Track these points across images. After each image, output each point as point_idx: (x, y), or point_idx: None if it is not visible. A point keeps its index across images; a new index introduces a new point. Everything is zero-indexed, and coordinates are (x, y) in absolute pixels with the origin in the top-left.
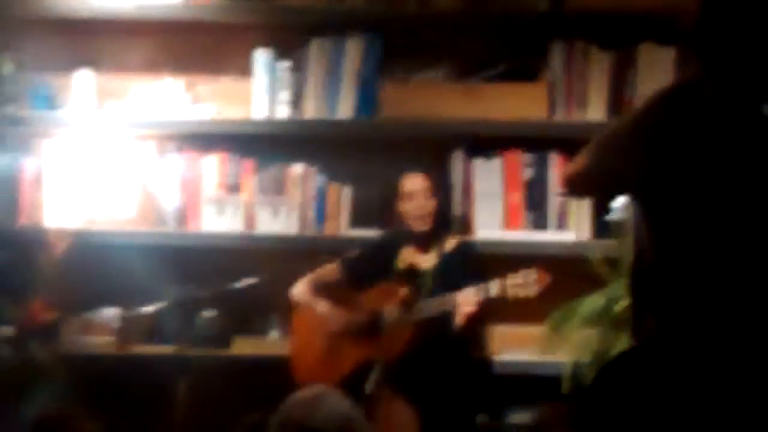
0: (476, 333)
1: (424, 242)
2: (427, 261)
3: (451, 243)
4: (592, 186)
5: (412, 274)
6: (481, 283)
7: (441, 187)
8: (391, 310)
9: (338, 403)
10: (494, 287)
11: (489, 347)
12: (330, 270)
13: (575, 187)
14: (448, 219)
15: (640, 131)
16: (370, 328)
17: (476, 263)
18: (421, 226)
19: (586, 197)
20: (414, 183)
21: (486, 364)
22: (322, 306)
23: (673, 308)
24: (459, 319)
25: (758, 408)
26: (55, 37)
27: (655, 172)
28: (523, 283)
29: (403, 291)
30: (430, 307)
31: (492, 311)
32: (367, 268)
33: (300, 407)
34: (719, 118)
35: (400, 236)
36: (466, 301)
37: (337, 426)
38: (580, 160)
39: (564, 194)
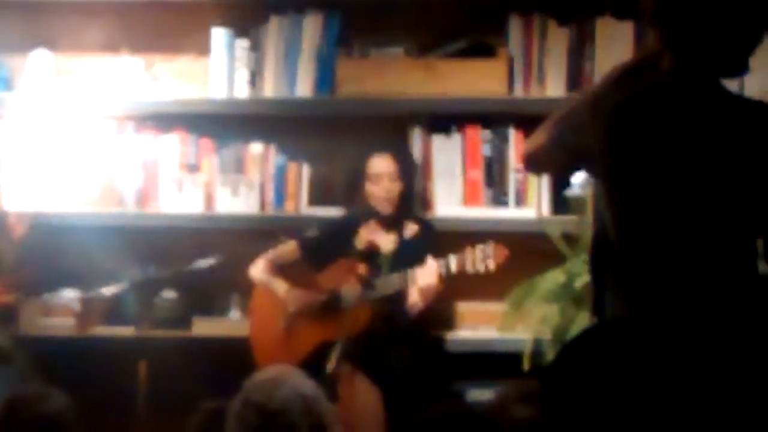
0: (436, 309)
1: (387, 223)
2: (388, 242)
3: (412, 228)
4: (551, 162)
5: (371, 252)
6: (439, 260)
7: (407, 171)
8: (350, 289)
9: (300, 383)
10: (452, 262)
11: (450, 323)
12: (288, 249)
13: (534, 163)
14: (411, 204)
15: (598, 106)
16: (330, 307)
17: (436, 244)
18: (386, 208)
19: (545, 173)
20: (381, 165)
21: (444, 340)
22: (281, 286)
23: (634, 284)
24: (418, 295)
25: (721, 382)
26: (10, 17)
27: (614, 148)
28: (480, 258)
29: (362, 269)
30: (390, 284)
31: (451, 286)
32: (326, 247)
33: (261, 388)
34: (678, 92)
35: (361, 215)
36: (425, 276)
37: (298, 407)
38: (539, 136)
39: (523, 170)
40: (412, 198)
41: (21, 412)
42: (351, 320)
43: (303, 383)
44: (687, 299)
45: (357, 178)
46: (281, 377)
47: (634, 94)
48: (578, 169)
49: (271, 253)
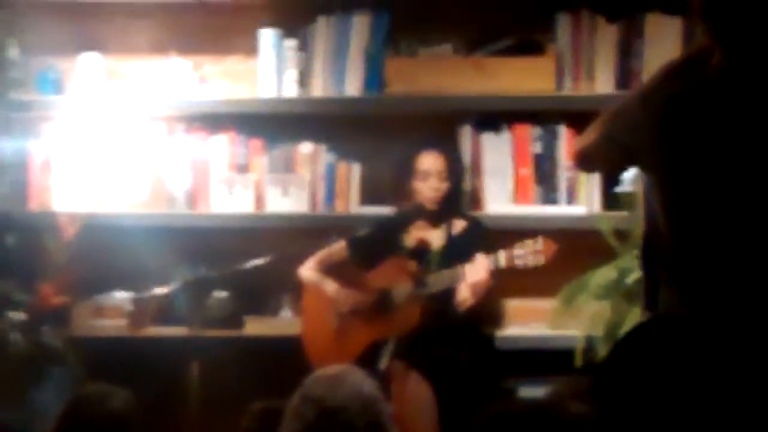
0: (487, 305)
1: (434, 220)
2: (436, 239)
3: (459, 225)
4: (602, 160)
5: (421, 250)
6: (489, 255)
7: (456, 169)
8: (400, 287)
9: (360, 382)
10: (501, 258)
11: (502, 320)
12: (337, 249)
13: (585, 161)
14: (459, 202)
15: (649, 103)
16: (381, 306)
17: (485, 241)
18: (431, 205)
19: (596, 171)
20: (430, 162)
21: (496, 337)
22: (331, 286)
23: (687, 280)
24: (468, 292)
25: None
26: (60, 21)
27: (666, 144)
28: (530, 253)
29: (412, 266)
30: (440, 280)
31: (502, 283)
32: (375, 246)
33: (320, 385)
34: (728, 87)
35: (411, 213)
36: (475, 272)
37: (356, 406)
38: (590, 135)
39: (574, 168)
40: (460, 196)
41: (86, 410)
42: (402, 318)
43: (363, 382)
44: (741, 296)
45: (405, 174)
46: (342, 375)
47: (685, 90)
48: (630, 166)
49: (320, 254)
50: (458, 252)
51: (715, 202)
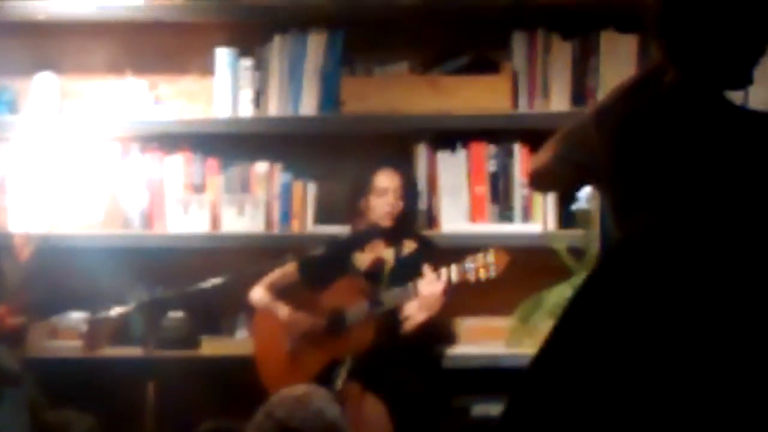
0: (442, 322)
1: (388, 239)
2: (388, 258)
3: (410, 245)
4: (557, 179)
5: (375, 269)
6: (440, 270)
7: (410, 188)
8: (354, 306)
9: (324, 406)
10: (453, 272)
11: (456, 337)
12: (289, 270)
13: (540, 181)
14: (412, 222)
15: (602, 121)
16: (334, 327)
17: (435, 261)
18: (386, 223)
19: (551, 191)
20: (387, 180)
21: (450, 356)
22: (283, 310)
23: None
24: (422, 307)
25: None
26: (14, 40)
27: (619, 162)
28: (481, 265)
29: (366, 286)
30: (395, 297)
31: (457, 301)
32: (327, 267)
33: (285, 405)
34: (682, 105)
35: (365, 232)
36: (429, 287)
37: (318, 428)
38: (543, 155)
39: (529, 189)
40: (413, 216)
41: None
42: (356, 339)
43: (328, 407)
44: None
45: (361, 192)
46: (307, 397)
47: (638, 108)
48: (583, 184)
49: (271, 276)
50: (408, 272)
51: (669, 219)
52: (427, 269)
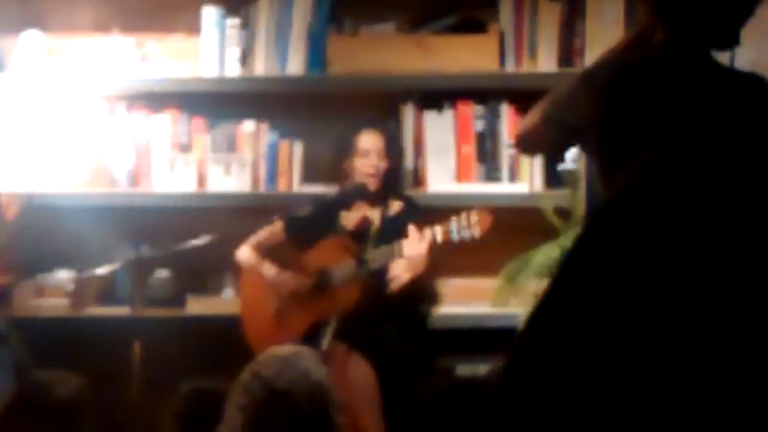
0: (427, 282)
1: (373, 199)
2: (374, 218)
3: (396, 205)
4: (545, 141)
5: (361, 229)
6: (424, 230)
7: (395, 148)
8: (340, 266)
9: (311, 367)
10: (438, 232)
11: (441, 297)
12: (273, 230)
13: (528, 143)
14: (397, 181)
15: (590, 83)
16: (320, 286)
17: (421, 221)
18: (372, 184)
19: (538, 153)
20: (370, 141)
21: (437, 315)
22: (270, 269)
23: None
24: (407, 267)
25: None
26: None
27: (606, 123)
28: (465, 225)
29: (352, 245)
30: (378, 257)
31: (443, 261)
32: (313, 226)
33: (273, 364)
34: (669, 66)
35: (351, 192)
36: (414, 247)
37: (305, 391)
38: (531, 118)
39: (517, 151)
40: (399, 175)
41: (36, 395)
42: (342, 298)
43: (314, 368)
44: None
45: (345, 153)
46: (294, 357)
47: (625, 69)
48: (571, 145)
49: (258, 235)
50: (394, 232)
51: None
52: (411, 230)
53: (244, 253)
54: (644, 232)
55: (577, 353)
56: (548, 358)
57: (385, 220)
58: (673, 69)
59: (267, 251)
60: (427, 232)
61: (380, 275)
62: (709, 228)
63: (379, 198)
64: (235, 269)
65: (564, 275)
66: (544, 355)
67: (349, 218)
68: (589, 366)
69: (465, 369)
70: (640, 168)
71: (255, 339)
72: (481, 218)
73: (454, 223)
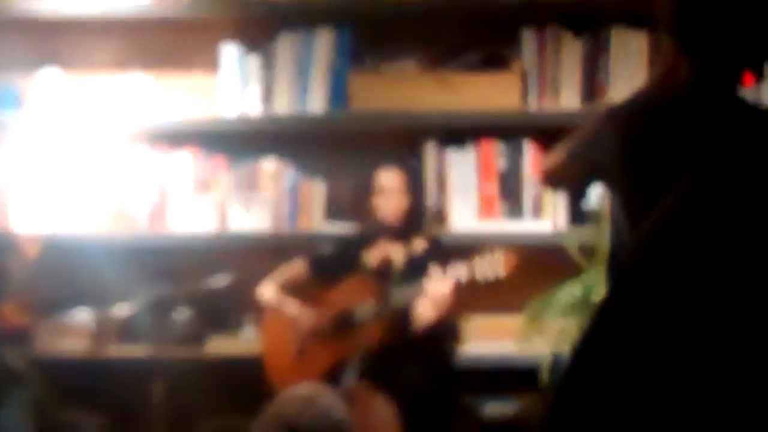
0: (450, 322)
1: (396, 237)
2: (398, 256)
3: (421, 244)
4: (569, 178)
5: (383, 268)
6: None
7: (415, 184)
8: (363, 305)
9: (331, 405)
10: (461, 271)
11: (462, 336)
12: (297, 269)
13: (552, 180)
14: (419, 218)
15: (615, 118)
16: (343, 325)
17: (446, 259)
18: (393, 222)
19: (563, 189)
20: (388, 178)
21: (459, 355)
22: (291, 307)
23: None
24: (430, 307)
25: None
26: (19, 36)
27: (631, 160)
28: (489, 265)
29: (374, 284)
30: (402, 297)
31: (467, 299)
32: (336, 265)
33: (292, 404)
34: (695, 102)
35: (373, 231)
36: (438, 287)
37: (325, 428)
38: (557, 153)
39: (542, 187)
40: (421, 212)
41: None
42: (365, 337)
43: (334, 406)
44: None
45: (366, 191)
46: (314, 397)
47: (650, 105)
48: (594, 182)
49: (279, 274)
50: (419, 271)
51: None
52: (435, 268)
53: (267, 291)
54: (685, 276)
55: (625, 394)
56: (598, 398)
57: (412, 259)
58: (699, 105)
59: (289, 289)
60: (452, 272)
61: (403, 314)
62: (738, 270)
63: (401, 236)
64: (257, 308)
65: (609, 316)
66: (593, 397)
67: (373, 257)
68: (641, 406)
69: (489, 408)
70: (676, 203)
71: (277, 377)
72: (507, 258)
73: (478, 263)
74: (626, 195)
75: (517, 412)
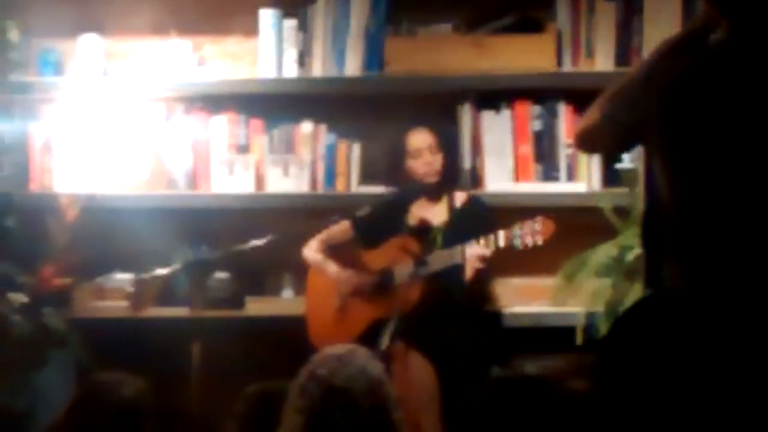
0: (486, 284)
1: (434, 195)
2: (438, 215)
3: (461, 197)
4: (604, 140)
5: (422, 229)
6: (488, 235)
7: (447, 142)
8: (401, 266)
9: (367, 363)
10: (501, 237)
11: (502, 298)
12: (341, 229)
13: (587, 142)
14: (456, 173)
15: (652, 80)
16: (382, 286)
17: (487, 218)
18: (429, 180)
19: (598, 152)
20: (419, 139)
21: (497, 315)
22: (333, 267)
23: (691, 255)
24: (469, 271)
25: None
26: (60, 2)
27: (670, 122)
28: (528, 233)
29: (414, 245)
30: (441, 259)
31: (502, 261)
32: (378, 225)
33: (327, 363)
34: (733, 62)
35: (411, 192)
36: (475, 252)
37: (363, 386)
38: (590, 116)
39: (576, 150)
40: (457, 167)
41: (99, 397)
42: (403, 298)
43: (370, 364)
44: (745, 272)
45: (399, 154)
46: (349, 355)
47: (688, 66)
48: (632, 144)
49: (324, 234)
50: (461, 226)
51: (719, 180)
52: (475, 236)
53: (311, 251)
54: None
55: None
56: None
57: (454, 213)
58: (736, 65)
59: (332, 250)
60: (491, 238)
61: (442, 276)
62: None
63: (440, 192)
64: (295, 270)
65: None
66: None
67: (413, 218)
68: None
69: (528, 368)
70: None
71: (317, 336)
72: (545, 226)
73: (517, 230)
74: (665, 155)
75: (550, 369)
